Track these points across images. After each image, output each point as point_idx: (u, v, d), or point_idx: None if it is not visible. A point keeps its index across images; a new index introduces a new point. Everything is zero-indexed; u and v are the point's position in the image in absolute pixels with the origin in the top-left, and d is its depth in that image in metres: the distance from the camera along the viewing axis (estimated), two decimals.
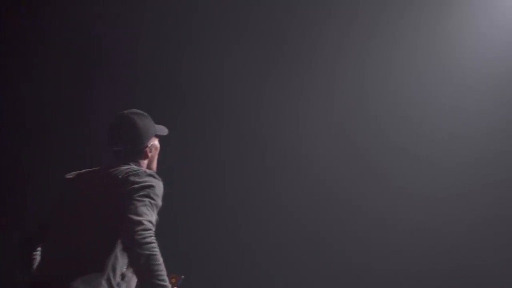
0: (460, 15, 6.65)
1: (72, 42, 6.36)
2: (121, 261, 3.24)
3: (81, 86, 6.34)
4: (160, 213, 3.27)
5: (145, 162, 3.53)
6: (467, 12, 6.66)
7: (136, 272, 3.09)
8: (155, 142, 3.59)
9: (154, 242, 3.07)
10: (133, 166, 3.41)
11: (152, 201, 3.19)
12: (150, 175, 3.30)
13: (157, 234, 3.15)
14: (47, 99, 6.32)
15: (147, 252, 3.02)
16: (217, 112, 6.76)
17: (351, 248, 6.65)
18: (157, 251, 3.07)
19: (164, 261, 3.10)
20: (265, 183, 6.75)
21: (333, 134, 6.77)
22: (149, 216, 3.13)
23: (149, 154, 3.53)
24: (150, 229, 3.10)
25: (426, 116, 6.77)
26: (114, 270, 3.21)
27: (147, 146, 3.50)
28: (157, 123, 3.59)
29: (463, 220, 6.57)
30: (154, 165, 3.60)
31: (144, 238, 3.04)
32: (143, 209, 3.13)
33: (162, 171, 3.47)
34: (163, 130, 3.63)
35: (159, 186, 3.28)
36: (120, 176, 3.29)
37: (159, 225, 3.24)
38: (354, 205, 6.69)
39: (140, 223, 3.07)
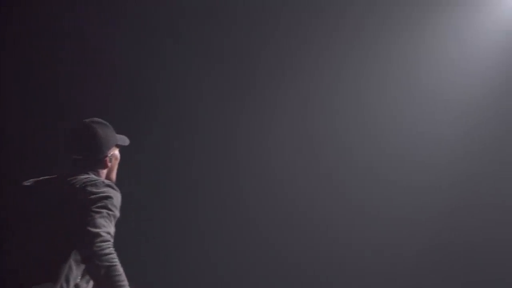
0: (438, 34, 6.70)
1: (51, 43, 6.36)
2: (75, 272, 3.22)
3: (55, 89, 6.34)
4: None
5: (104, 171, 3.50)
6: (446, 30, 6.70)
7: (97, 284, 3.10)
8: (116, 152, 3.56)
9: (113, 253, 3.07)
10: (92, 176, 3.38)
11: (110, 212, 3.17)
12: (108, 186, 3.27)
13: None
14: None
15: (107, 264, 3.03)
16: (191, 118, 6.76)
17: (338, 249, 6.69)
18: (116, 261, 3.07)
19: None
20: (236, 189, 6.76)
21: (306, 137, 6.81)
22: (107, 227, 3.12)
23: (109, 164, 3.50)
24: (108, 240, 3.09)
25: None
26: (67, 281, 3.20)
27: (107, 156, 3.47)
28: (118, 132, 3.56)
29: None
30: (114, 175, 3.57)
31: (103, 249, 3.04)
32: (100, 221, 3.11)
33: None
34: (124, 140, 3.61)
35: (116, 197, 3.25)
36: (77, 186, 3.26)
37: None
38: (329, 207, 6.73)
39: (98, 235, 3.06)
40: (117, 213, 3.24)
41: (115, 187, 3.31)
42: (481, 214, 6.62)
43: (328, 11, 6.73)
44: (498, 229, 6.55)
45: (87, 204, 3.15)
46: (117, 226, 3.23)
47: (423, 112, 6.80)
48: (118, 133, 3.57)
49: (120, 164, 3.61)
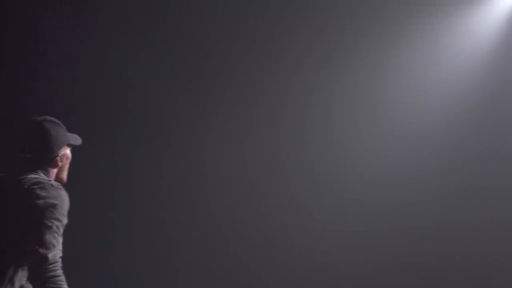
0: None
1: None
2: (21, 274, 3.18)
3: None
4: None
5: (55, 171, 3.43)
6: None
7: None
8: (67, 151, 3.49)
9: (60, 276, 3.15)
10: (41, 175, 3.32)
11: (58, 224, 3.17)
12: (56, 188, 3.24)
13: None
14: None
15: (53, 286, 3.13)
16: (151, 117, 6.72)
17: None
18: (63, 284, 3.16)
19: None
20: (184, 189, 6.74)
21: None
22: (56, 246, 3.15)
23: (59, 163, 3.43)
24: (56, 262, 3.15)
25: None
26: (12, 283, 3.16)
27: (57, 155, 3.40)
28: (69, 131, 3.49)
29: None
30: (64, 174, 3.50)
31: (50, 272, 3.12)
32: (50, 238, 3.12)
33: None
34: (76, 139, 3.54)
35: (64, 203, 3.23)
36: (26, 186, 3.21)
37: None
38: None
39: (46, 258, 3.11)
40: (65, 220, 3.23)
41: (62, 189, 3.27)
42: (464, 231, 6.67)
43: (310, 17, 6.75)
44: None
45: (35, 211, 3.13)
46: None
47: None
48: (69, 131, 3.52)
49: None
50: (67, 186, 3.38)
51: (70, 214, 3.27)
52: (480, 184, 6.67)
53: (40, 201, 3.14)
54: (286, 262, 6.70)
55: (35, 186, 3.19)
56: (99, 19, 6.57)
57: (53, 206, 3.16)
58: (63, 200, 3.22)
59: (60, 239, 3.18)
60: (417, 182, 6.72)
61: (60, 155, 3.41)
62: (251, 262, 6.69)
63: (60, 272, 3.14)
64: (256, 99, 6.80)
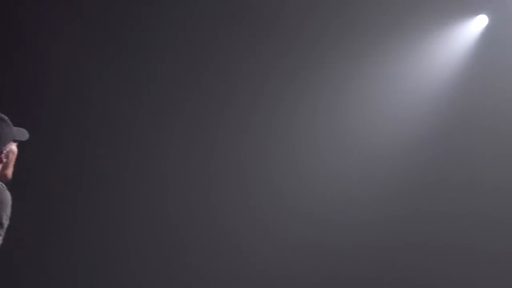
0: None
1: None
2: None
3: None
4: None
5: None
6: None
7: None
8: (13, 147, 3.32)
9: None
10: None
11: None
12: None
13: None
14: None
15: None
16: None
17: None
18: None
19: None
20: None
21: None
22: None
23: (4, 160, 3.27)
24: None
25: None
26: None
27: (2, 152, 3.27)
28: (16, 125, 3.37)
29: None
30: (10, 171, 3.34)
31: None
32: None
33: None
34: (23, 135, 3.40)
35: (5, 202, 3.08)
36: None
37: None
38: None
39: None
40: (6, 221, 3.08)
41: (4, 188, 3.12)
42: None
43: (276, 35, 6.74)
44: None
45: None
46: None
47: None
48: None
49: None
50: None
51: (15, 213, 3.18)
52: (438, 207, 6.70)
53: None
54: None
55: None
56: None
57: None
58: (4, 199, 3.07)
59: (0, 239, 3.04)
60: (378, 201, 6.73)
61: (5, 151, 3.30)
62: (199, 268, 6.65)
63: None
64: (219, 121, 6.76)
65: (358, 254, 6.68)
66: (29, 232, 5.85)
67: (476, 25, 6.80)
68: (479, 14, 6.79)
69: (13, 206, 3.18)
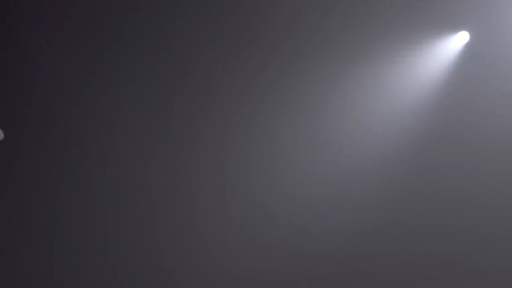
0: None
1: None
2: None
3: None
4: None
5: None
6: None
7: None
8: None
9: None
10: None
11: None
12: None
13: None
14: None
15: None
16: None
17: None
18: None
19: None
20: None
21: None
22: None
23: None
24: None
25: None
26: None
27: None
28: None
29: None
30: None
31: None
32: None
33: None
34: None
35: None
36: None
37: None
38: None
39: None
40: None
41: None
42: None
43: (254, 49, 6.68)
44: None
45: None
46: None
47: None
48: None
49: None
50: None
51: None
52: (418, 217, 6.71)
53: None
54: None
55: None
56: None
57: None
58: None
59: None
60: (352, 214, 6.71)
61: None
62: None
63: None
64: (200, 123, 6.66)
65: (337, 261, 6.63)
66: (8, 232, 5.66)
67: (457, 41, 6.75)
68: (460, 30, 6.75)
69: None
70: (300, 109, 6.68)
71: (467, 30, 6.76)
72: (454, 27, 6.76)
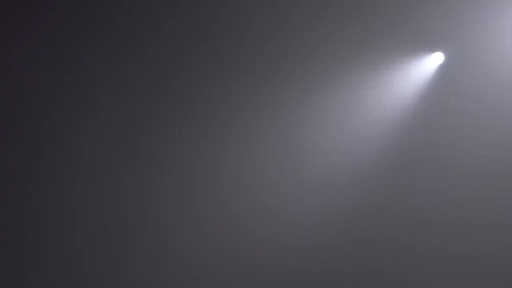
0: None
1: None
2: None
3: None
4: None
5: None
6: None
7: None
8: None
9: None
10: None
11: None
12: None
13: None
14: None
15: None
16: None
17: None
18: None
19: None
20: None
21: None
22: None
23: None
24: None
25: None
26: None
27: None
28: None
29: None
30: None
31: None
32: None
33: None
34: None
35: None
36: None
37: None
38: None
39: None
40: None
41: None
42: None
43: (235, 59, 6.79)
44: None
45: None
46: None
47: None
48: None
49: None
50: None
51: None
52: (385, 235, 6.66)
53: None
54: None
55: None
56: None
57: None
58: None
59: None
60: (330, 226, 6.70)
61: None
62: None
63: None
64: (173, 134, 6.76)
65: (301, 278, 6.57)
66: None
67: (432, 62, 6.80)
68: (435, 51, 6.80)
69: None
70: (271, 124, 6.73)
71: (442, 51, 6.81)
72: (429, 48, 6.81)
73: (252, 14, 6.81)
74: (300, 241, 6.71)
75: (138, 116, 6.76)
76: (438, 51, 6.81)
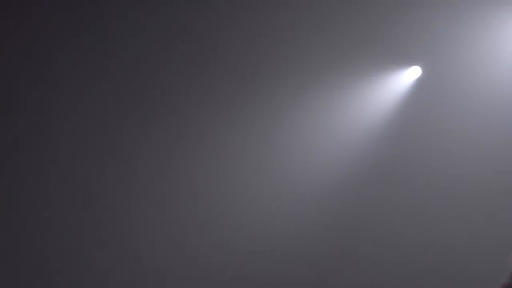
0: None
1: None
2: None
3: None
4: None
5: None
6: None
7: None
8: None
9: None
10: None
11: None
12: None
13: None
14: None
15: None
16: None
17: None
18: None
19: None
20: None
21: None
22: None
23: None
24: None
25: None
26: None
27: None
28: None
29: None
30: None
31: None
32: None
33: None
34: None
35: None
36: None
37: None
38: None
39: None
40: None
41: None
42: None
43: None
44: None
45: None
46: None
47: None
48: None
49: None
50: None
51: None
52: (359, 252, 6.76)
53: None
54: None
55: None
56: None
57: None
58: None
59: None
60: (297, 239, 6.79)
61: None
62: None
63: None
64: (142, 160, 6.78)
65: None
66: None
67: (409, 76, 6.83)
68: (412, 65, 6.83)
69: None
70: (244, 137, 6.77)
71: (420, 65, 6.84)
72: (407, 62, 6.84)
73: (232, 23, 6.80)
74: (274, 248, 6.80)
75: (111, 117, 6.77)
76: (415, 65, 6.84)
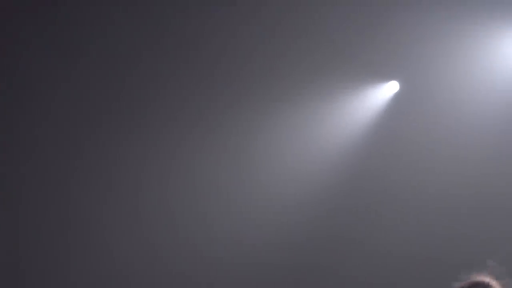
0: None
1: None
2: None
3: None
4: None
5: None
6: None
7: None
8: None
9: None
10: None
11: None
12: None
13: None
14: None
15: None
16: None
17: None
18: None
19: None
20: None
21: None
22: None
23: None
24: None
25: None
26: None
27: None
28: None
29: None
30: None
31: None
32: None
33: None
34: None
35: None
36: None
37: None
38: None
39: None
40: None
41: None
42: None
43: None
44: None
45: None
46: None
47: None
48: None
49: None
50: None
51: None
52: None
53: None
54: None
55: None
56: None
57: None
58: None
59: None
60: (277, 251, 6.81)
61: None
62: None
63: None
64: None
65: None
66: None
67: (387, 91, 6.94)
68: (390, 80, 6.94)
69: None
70: (219, 152, 6.83)
71: (397, 80, 6.95)
72: (385, 77, 6.94)
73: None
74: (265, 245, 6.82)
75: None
76: (393, 80, 6.95)
